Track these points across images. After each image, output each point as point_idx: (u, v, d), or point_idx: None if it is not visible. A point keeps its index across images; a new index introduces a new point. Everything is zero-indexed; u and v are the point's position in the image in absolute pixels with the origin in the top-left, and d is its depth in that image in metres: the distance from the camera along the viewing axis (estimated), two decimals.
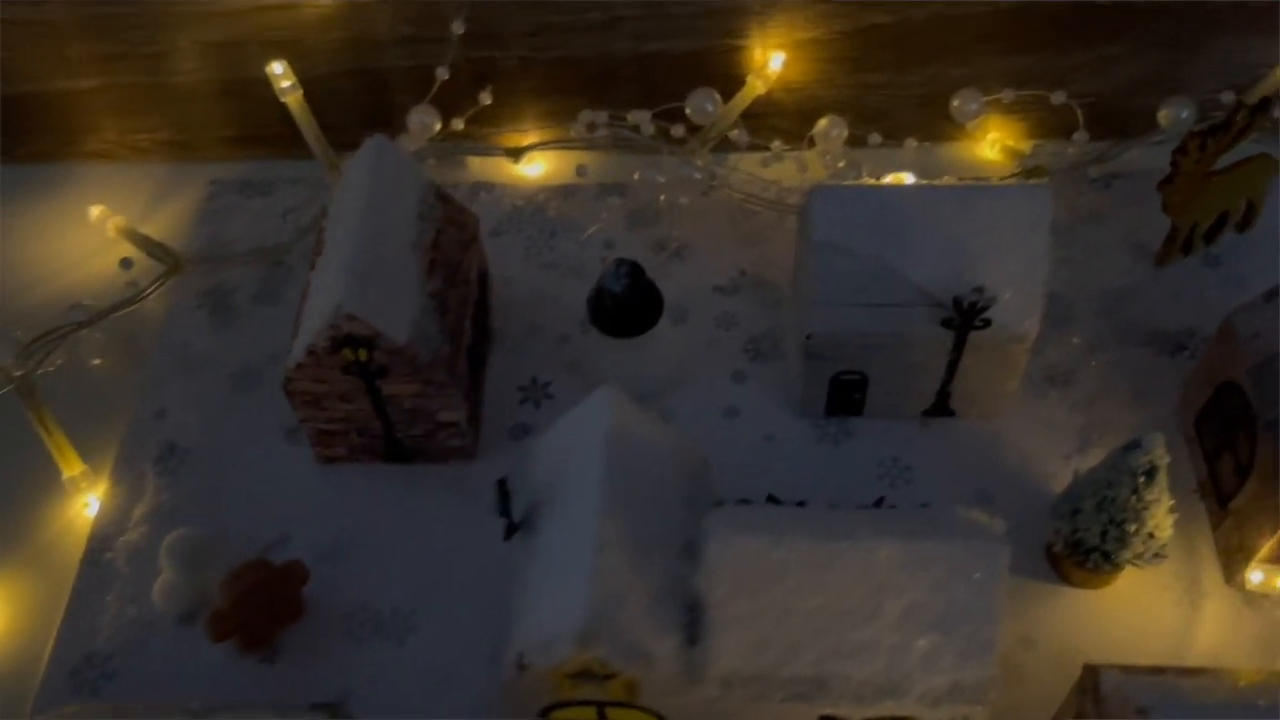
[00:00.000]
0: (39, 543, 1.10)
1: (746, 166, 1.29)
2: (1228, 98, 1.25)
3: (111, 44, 1.31)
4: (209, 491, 1.11)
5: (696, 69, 1.29)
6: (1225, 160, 1.15)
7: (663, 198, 1.28)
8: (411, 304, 1.02)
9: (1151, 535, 0.94)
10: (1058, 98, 1.27)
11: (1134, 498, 0.91)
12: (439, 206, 1.10)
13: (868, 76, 1.31)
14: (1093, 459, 1.03)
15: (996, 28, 1.27)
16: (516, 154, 1.33)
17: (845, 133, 1.28)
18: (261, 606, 0.98)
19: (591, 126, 1.29)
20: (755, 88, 1.28)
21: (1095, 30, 1.27)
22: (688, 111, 1.27)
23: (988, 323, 1.00)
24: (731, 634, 0.81)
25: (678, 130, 1.28)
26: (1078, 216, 1.27)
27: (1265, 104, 1.11)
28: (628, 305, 1.06)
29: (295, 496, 1.10)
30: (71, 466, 1.11)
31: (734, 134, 1.29)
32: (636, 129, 1.28)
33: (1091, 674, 0.82)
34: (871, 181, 1.24)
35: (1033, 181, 1.25)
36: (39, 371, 1.15)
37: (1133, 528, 0.93)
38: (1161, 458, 0.90)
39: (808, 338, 1.03)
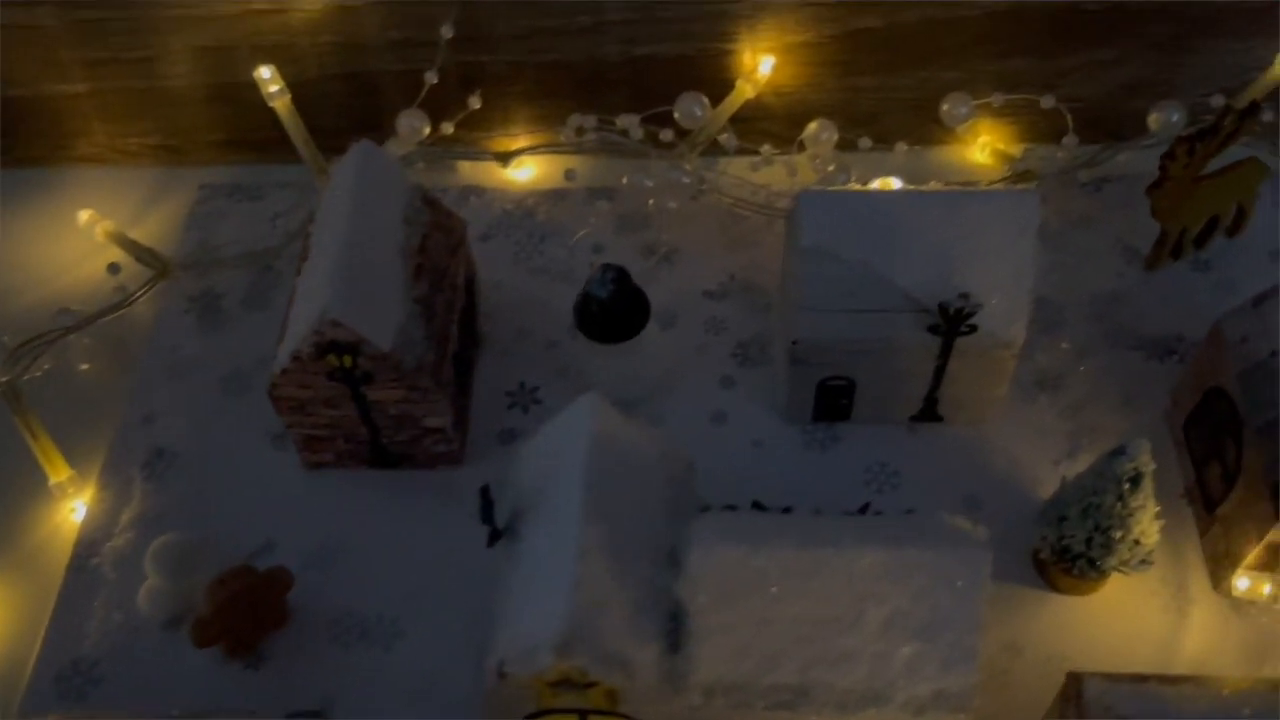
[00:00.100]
0: (25, 548, 1.10)
1: (736, 170, 1.29)
2: (1218, 101, 1.24)
3: (102, 48, 1.30)
4: (196, 497, 1.11)
5: (687, 73, 1.29)
6: (1215, 164, 1.14)
7: (651, 202, 1.28)
8: (396, 310, 1.01)
9: (1137, 542, 0.93)
10: (1047, 102, 1.26)
11: (1119, 504, 0.91)
12: (425, 211, 1.10)
13: (858, 80, 1.31)
14: (1081, 464, 1.03)
15: (987, 31, 1.26)
16: (506, 158, 1.33)
17: (835, 136, 1.28)
18: (246, 613, 0.98)
19: (580, 131, 1.29)
20: (744, 92, 1.28)
21: (1086, 34, 1.27)
22: (676, 116, 1.27)
23: (974, 329, 1.00)
24: (713, 642, 0.81)
25: (666, 134, 1.28)
26: (1068, 221, 1.27)
27: (1254, 108, 1.10)
28: (614, 311, 1.06)
29: (282, 502, 1.10)
30: (58, 472, 1.11)
31: (723, 138, 1.29)
32: (625, 133, 1.27)
33: (1074, 682, 0.82)
34: (858, 187, 1.24)
35: (1021, 186, 1.25)
36: (26, 377, 1.15)
37: (1118, 534, 0.93)
38: (1147, 464, 0.90)
39: (794, 343, 1.03)
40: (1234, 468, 0.98)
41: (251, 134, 1.35)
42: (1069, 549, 0.96)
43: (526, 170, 1.35)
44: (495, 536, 0.88)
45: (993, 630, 0.99)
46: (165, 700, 0.98)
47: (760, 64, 1.28)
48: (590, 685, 0.80)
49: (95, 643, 1.02)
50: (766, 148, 1.31)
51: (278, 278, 1.26)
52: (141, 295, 1.24)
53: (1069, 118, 1.27)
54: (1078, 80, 1.29)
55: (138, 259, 1.26)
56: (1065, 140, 1.28)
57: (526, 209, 1.32)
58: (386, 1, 1.25)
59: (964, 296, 0.98)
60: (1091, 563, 0.95)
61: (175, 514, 1.10)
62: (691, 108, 1.26)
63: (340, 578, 1.05)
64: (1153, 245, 1.20)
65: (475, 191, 1.33)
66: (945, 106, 1.27)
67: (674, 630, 0.82)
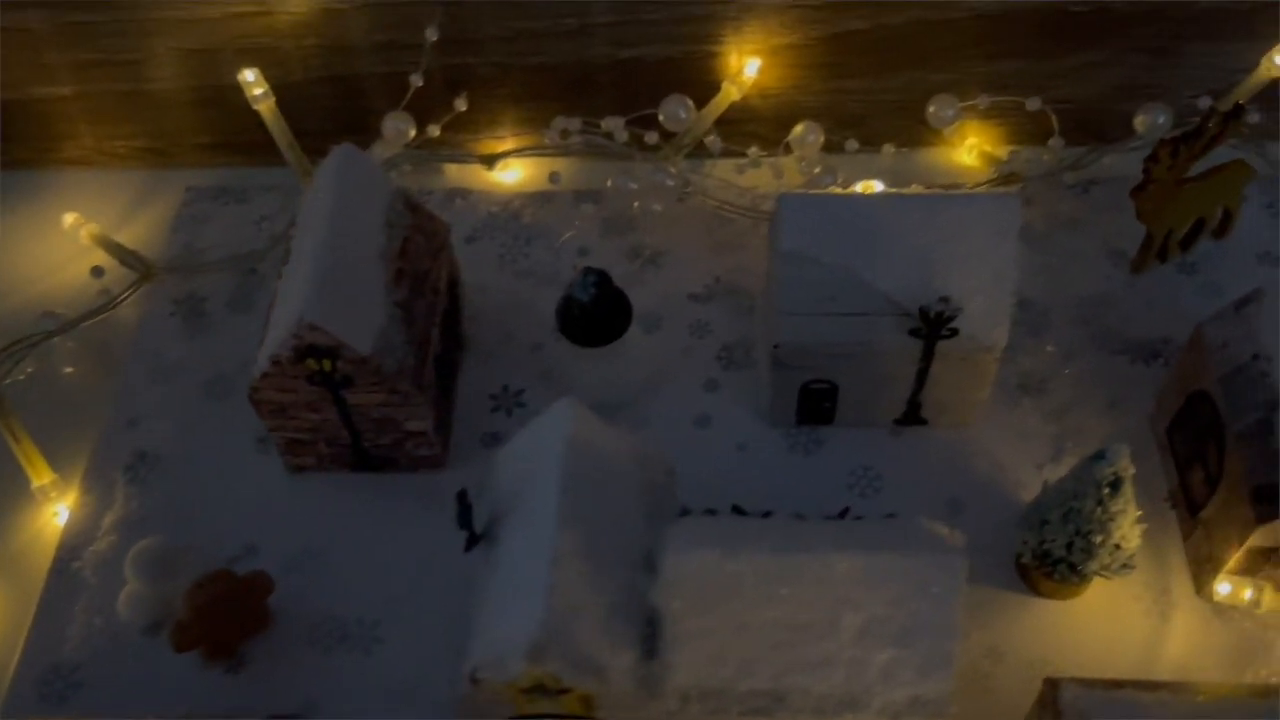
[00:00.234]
0: (7, 552, 1.10)
1: (721, 173, 1.29)
2: (1205, 103, 1.24)
3: (89, 51, 1.30)
4: (179, 500, 1.11)
5: (673, 75, 1.28)
6: (1201, 166, 1.14)
7: (636, 205, 1.27)
8: (377, 313, 1.01)
9: (1118, 546, 0.93)
10: (1032, 104, 1.26)
11: (1099, 509, 0.91)
12: (407, 214, 1.10)
13: (844, 82, 1.31)
14: (1065, 468, 1.02)
15: (974, 33, 1.26)
16: (491, 161, 1.33)
17: (822, 139, 1.28)
18: (225, 617, 0.98)
19: (565, 133, 1.29)
20: (730, 94, 1.28)
21: (1073, 36, 1.26)
22: (661, 118, 1.26)
23: (955, 332, 1.00)
24: (689, 648, 0.81)
25: (651, 137, 1.27)
26: (1054, 223, 1.26)
27: (1239, 110, 1.10)
28: (596, 314, 1.06)
29: (265, 505, 1.10)
30: (41, 475, 1.11)
31: (709, 140, 1.28)
32: (610, 136, 1.27)
33: (1051, 687, 0.82)
34: (839, 190, 1.23)
35: (1002, 189, 1.24)
36: (9, 380, 1.15)
37: (1099, 539, 0.92)
38: (1127, 469, 0.89)
39: (775, 347, 1.03)
40: (1216, 472, 0.97)
41: (237, 137, 1.35)
42: (1050, 553, 0.95)
43: (513, 173, 1.35)
44: (473, 541, 0.88)
45: (974, 635, 0.99)
46: (146, 704, 0.98)
47: (746, 66, 1.28)
48: (564, 691, 0.80)
49: (76, 647, 1.02)
50: (753, 150, 1.30)
51: (262, 281, 1.26)
52: (126, 298, 1.24)
53: (1055, 120, 1.26)
54: (1066, 82, 1.29)
55: (122, 262, 1.26)
56: (1051, 142, 1.27)
57: (512, 211, 1.31)
58: (371, 4, 1.25)
59: (944, 300, 0.98)
60: (1073, 567, 0.95)
61: (158, 517, 1.09)
62: (676, 110, 1.26)
63: (322, 581, 1.05)
64: (1138, 248, 1.20)
65: (461, 194, 1.33)
66: (932, 109, 1.27)
67: (650, 636, 0.82)
